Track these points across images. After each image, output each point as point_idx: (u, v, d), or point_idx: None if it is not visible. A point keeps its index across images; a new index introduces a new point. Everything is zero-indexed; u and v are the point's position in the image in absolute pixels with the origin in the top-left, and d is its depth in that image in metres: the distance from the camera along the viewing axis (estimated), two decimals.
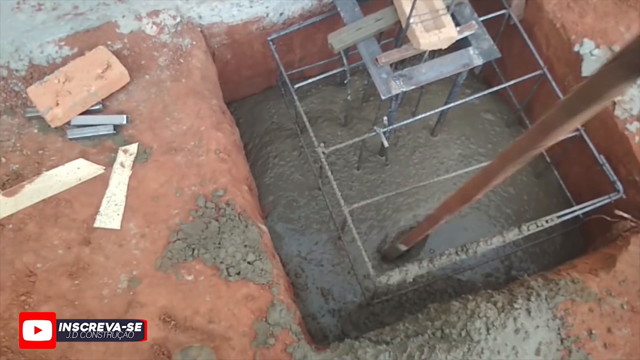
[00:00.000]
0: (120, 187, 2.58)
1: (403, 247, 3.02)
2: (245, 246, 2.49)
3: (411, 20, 2.72)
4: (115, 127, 2.69)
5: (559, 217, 2.72)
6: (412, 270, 2.47)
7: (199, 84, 2.88)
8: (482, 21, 2.95)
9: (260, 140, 3.79)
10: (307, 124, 2.96)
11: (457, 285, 3.25)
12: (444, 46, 2.81)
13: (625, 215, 2.71)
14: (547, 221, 2.67)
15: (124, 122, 2.69)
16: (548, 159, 3.44)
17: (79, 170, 2.61)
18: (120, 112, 2.74)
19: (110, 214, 2.53)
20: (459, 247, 2.54)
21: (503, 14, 3.17)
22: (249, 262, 2.45)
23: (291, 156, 3.72)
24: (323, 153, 2.88)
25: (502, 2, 3.18)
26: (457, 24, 2.85)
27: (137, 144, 2.67)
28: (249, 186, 2.98)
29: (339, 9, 2.92)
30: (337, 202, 2.76)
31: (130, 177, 2.60)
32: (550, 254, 3.41)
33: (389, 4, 2.89)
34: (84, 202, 2.56)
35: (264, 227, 2.74)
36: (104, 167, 2.62)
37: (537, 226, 2.64)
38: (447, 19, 2.78)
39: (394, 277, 2.44)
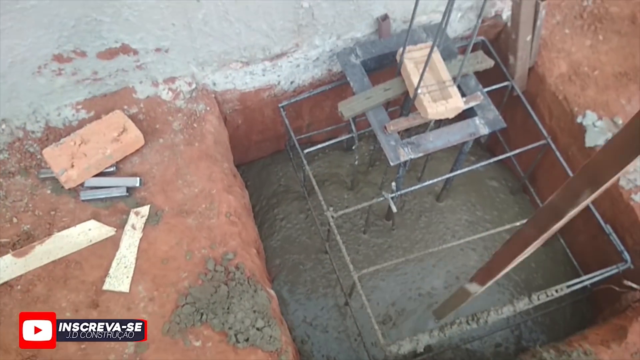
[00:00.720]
0: (130, 250, 2.58)
1: (475, 288, 2.43)
2: (255, 312, 2.47)
3: (419, 91, 2.81)
4: (128, 189, 2.72)
5: (568, 286, 2.71)
6: (423, 340, 2.44)
7: (211, 147, 2.94)
8: (487, 92, 3.06)
9: (267, 203, 3.82)
10: (315, 187, 3.00)
11: (465, 356, 3.20)
12: (451, 116, 2.90)
13: (634, 285, 2.71)
14: (556, 291, 2.67)
15: (137, 184, 2.72)
16: None
17: (90, 231, 2.62)
18: (134, 175, 2.78)
19: (119, 277, 2.52)
20: (470, 316, 2.52)
21: (506, 86, 3.28)
22: (257, 329, 2.42)
23: (298, 219, 3.74)
24: (332, 217, 2.90)
25: (505, 74, 3.30)
26: (463, 95, 2.94)
27: (149, 206, 2.70)
28: (258, 249, 2.98)
29: (348, 79, 3.02)
30: (343, 266, 2.76)
31: (140, 240, 2.61)
32: (560, 324, 3.37)
33: (397, 74, 3.00)
34: (93, 264, 2.55)
35: (272, 292, 2.73)
36: (115, 229, 2.63)
37: (547, 296, 2.63)
38: (454, 90, 2.88)
39: (405, 346, 2.40)
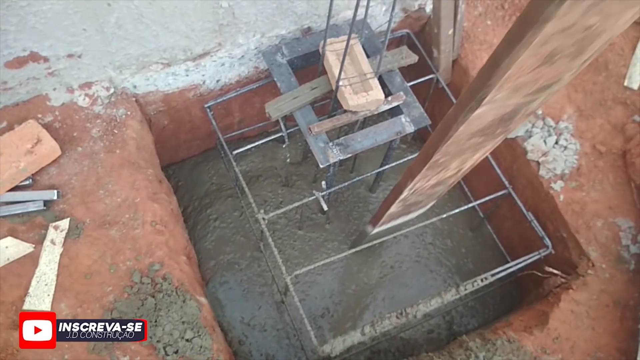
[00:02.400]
0: (50, 266, 2.48)
1: (371, 229, 2.96)
2: (183, 322, 2.44)
3: (340, 83, 2.81)
4: (46, 202, 2.61)
5: (493, 275, 2.81)
6: (355, 338, 2.48)
7: (134, 154, 2.85)
8: (412, 85, 3.08)
9: (200, 203, 3.76)
10: (246, 189, 2.97)
11: (400, 345, 3.28)
12: (372, 107, 2.91)
13: (555, 271, 2.84)
14: (482, 280, 2.76)
15: (55, 197, 2.61)
16: (481, 214, 3.57)
17: (7, 249, 2.50)
18: (51, 187, 2.66)
19: (40, 295, 2.42)
20: (399, 311, 2.58)
21: (432, 78, 3.33)
22: (187, 340, 2.40)
23: (232, 217, 3.71)
24: (263, 219, 2.88)
25: (430, 67, 3.35)
26: (388, 92, 2.96)
27: (68, 219, 2.59)
28: (188, 255, 2.93)
29: (275, 79, 2.99)
30: (279, 265, 2.76)
31: (61, 255, 2.52)
32: (490, 307, 3.51)
33: (320, 67, 2.98)
34: (12, 283, 2.44)
35: (203, 300, 2.70)
36: (33, 245, 2.52)
37: (473, 285, 2.72)
38: (375, 83, 2.89)
39: (337, 347, 2.44)
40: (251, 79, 3.38)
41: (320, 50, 2.96)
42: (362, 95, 2.82)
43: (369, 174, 3.10)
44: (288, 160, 3.38)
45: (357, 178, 3.04)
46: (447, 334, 3.38)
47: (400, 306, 3.27)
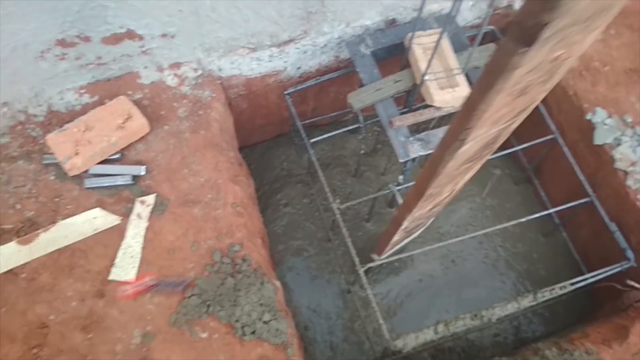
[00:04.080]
0: (136, 239, 2.57)
1: (377, 257, 2.96)
2: (261, 305, 2.48)
3: (426, 77, 2.78)
4: (134, 177, 2.69)
5: (572, 284, 2.74)
6: (428, 336, 2.46)
7: (217, 136, 2.90)
8: None
9: (270, 187, 3.80)
10: (322, 178, 2.99)
11: (465, 345, 3.24)
12: (457, 104, 2.86)
13: (637, 285, 2.73)
14: (560, 288, 2.69)
15: (142, 172, 2.69)
16: (557, 220, 3.48)
17: (95, 220, 2.60)
18: (139, 162, 2.74)
19: (125, 267, 2.51)
20: (474, 313, 2.54)
21: None
22: (264, 322, 2.44)
23: (301, 203, 3.74)
24: (338, 209, 2.89)
25: None
26: None
27: (154, 195, 2.67)
28: (263, 238, 2.98)
29: (358, 69, 2.98)
30: (347, 254, 2.76)
31: (146, 229, 2.59)
32: (559, 316, 3.42)
33: (404, 60, 2.96)
34: (99, 253, 2.54)
35: (277, 283, 2.73)
36: (120, 218, 2.61)
37: (551, 293, 2.66)
38: (461, 79, 2.85)
39: (410, 343, 2.43)
40: (330, 68, 3.39)
41: (406, 43, 2.93)
42: (448, 91, 2.78)
43: None
44: (362, 151, 3.38)
45: None
46: (513, 339, 3.31)
47: (468, 305, 3.26)
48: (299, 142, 3.78)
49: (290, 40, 3.05)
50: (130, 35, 2.64)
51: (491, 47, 3.03)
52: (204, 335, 2.41)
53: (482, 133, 1.44)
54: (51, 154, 2.69)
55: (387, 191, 2.90)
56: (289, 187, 3.80)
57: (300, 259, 3.51)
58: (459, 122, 1.36)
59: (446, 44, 2.88)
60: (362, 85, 3.06)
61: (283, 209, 3.68)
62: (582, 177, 3.00)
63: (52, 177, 2.70)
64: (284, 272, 3.45)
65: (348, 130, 3.96)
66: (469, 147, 1.48)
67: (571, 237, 3.46)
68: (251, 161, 3.90)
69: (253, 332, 2.41)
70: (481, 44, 3.21)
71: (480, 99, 1.20)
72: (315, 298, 3.39)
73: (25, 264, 2.48)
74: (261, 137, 3.95)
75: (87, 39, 2.56)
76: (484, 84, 1.17)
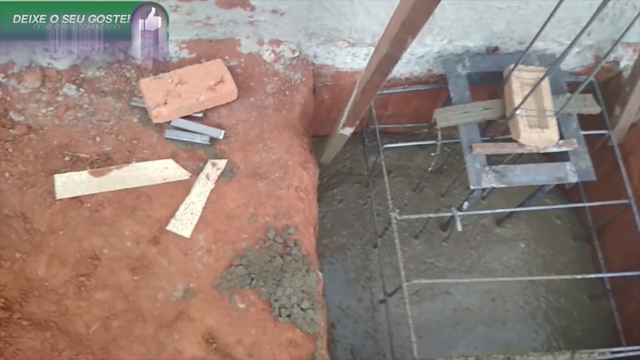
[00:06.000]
0: (200, 198, 2.63)
1: (349, 131, 2.86)
2: (303, 291, 2.50)
3: (517, 112, 2.74)
4: (211, 139, 2.76)
5: (612, 352, 2.67)
6: None
7: (297, 119, 2.94)
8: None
9: (329, 181, 3.83)
10: (386, 184, 2.99)
11: None
12: (542, 145, 2.82)
13: None
14: (599, 354, 2.62)
15: (221, 137, 2.76)
16: (608, 286, 3.38)
17: (166, 170, 2.68)
18: (219, 126, 2.81)
19: (184, 221, 2.58)
20: (508, 355, 2.51)
21: (604, 134, 3.16)
22: (302, 309, 2.46)
23: (356, 203, 3.75)
24: (395, 219, 2.89)
25: (605, 122, 3.18)
26: (561, 136, 2.85)
27: (226, 160, 2.73)
28: (315, 228, 3.00)
29: (450, 87, 2.96)
30: (390, 265, 2.76)
31: (211, 191, 2.66)
32: None
33: (499, 89, 2.92)
34: (163, 202, 2.62)
35: (320, 275, 2.76)
36: (190, 174, 2.69)
37: (589, 356, 2.59)
38: (552, 121, 2.80)
39: None
40: (420, 79, 3.38)
41: (505, 74, 2.90)
42: (537, 131, 2.74)
43: (509, 210, 3.01)
44: (430, 168, 3.35)
45: (499, 210, 2.97)
46: None
47: (497, 346, 3.21)
48: (369, 144, 3.79)
49: None
50: (244, 4, 2.70)
51: (589, 97, 2.97)
52: (242, 305, 2.46)
53: None
54: (140, 97, 2.79)
55: (449, 214, 2.88)
56: (347, 184, 3.82)
57: (341, 257, 3.52)
58: None
59: (546, 84, 2.84)
60: (447, 104, 3.05)
61: (337, 205, 3.70)
62: None
63: (136, 120, 2.80)
64: (323, 266, 3.47)
65: (419, 147, 3.97)
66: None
67: (618, 305, 3.36)
68: (317, 152, 3.93)
69: (289, 316, 2.44)
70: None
71: None
72: (348, 299, 3.41)
73: (92, 195, 2.59)
74: (331, 130, 3.97)
75: None
76: None
